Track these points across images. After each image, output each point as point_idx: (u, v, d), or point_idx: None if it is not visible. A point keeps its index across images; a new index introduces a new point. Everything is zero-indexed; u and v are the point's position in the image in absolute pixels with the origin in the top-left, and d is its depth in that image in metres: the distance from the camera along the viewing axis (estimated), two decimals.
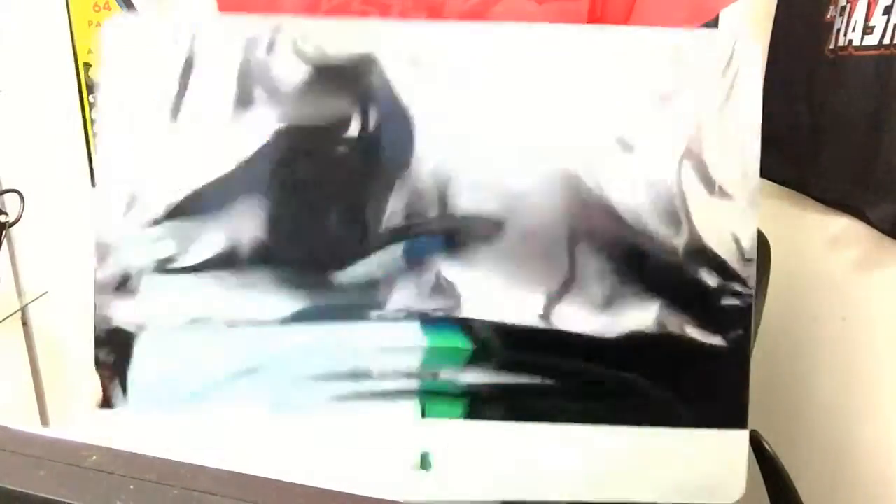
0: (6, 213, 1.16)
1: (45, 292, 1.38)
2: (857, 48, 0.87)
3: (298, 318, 0.45)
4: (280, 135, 0.46)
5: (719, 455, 0.44)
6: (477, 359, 0.45)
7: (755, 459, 0.95)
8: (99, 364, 0.47)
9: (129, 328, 0.46)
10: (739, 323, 0.46)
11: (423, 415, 0.44)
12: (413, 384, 0.44)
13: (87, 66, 1.30)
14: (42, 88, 1.31)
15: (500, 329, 0.45)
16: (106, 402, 0.46)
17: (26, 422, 1.42)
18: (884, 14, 0.83)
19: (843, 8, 0.91)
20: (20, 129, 1.32)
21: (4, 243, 1.21)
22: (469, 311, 0.45)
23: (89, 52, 1.30)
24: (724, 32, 0.50)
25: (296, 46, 0.45)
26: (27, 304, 1.36)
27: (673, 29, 0.49)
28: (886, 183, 0.83)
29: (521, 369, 0.45)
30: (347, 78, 0.45)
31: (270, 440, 0.44)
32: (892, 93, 0.82)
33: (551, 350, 0.45)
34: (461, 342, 0.44)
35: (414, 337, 0.44)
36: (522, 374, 0.45)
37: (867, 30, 0.85)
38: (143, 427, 0.44)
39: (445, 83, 0.45)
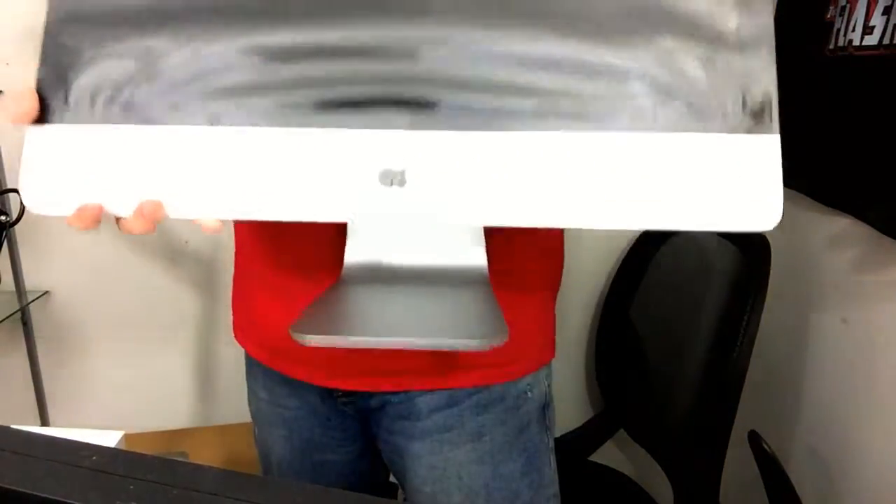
0: (6, 213, 1.16)
1: (46, 292, 1.38)
2: (857, 48, 0.87)
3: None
4: None
5: (746, 166, 0.38)
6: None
7: (755, 459, 0.95)
8: (44, 62, 0.42)
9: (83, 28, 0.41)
10: (760, 13, 0.40)
11: (388, 125, 0.40)
12: (383, 89, 0.40)
13: None
14: None
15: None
16: (42, 118, 0.41)
17: (26, 422, 1.42)
18: (883, 14, 0.83)
19: (843, 8, 0.91)
20: (21, 129, 1.32)
21: (5, 243, 1.21)
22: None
23: None
24: None
25: None
26: (27, 304, 1.36)
27: None
28: (886, 183, 0.83)
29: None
30: None
31: (226, 152, 0.40)
32: (892, 93, 0.82)
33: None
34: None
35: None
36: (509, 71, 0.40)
37: (867, 30, 0.85)
38: (85, 142, 0.40)
39: None
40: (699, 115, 0.40)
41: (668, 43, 0.40)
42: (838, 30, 0.92)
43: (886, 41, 0.82)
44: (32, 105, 0.42)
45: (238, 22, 0.41)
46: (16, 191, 1.14)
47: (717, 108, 0.40)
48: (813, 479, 1.02)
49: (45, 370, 1.43)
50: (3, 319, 1.28)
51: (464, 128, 0.40)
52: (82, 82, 0.42)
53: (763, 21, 0.41)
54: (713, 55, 0.40)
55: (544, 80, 0.40)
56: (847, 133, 0.91)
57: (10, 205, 1.27)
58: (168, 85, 0.41)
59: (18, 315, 1.36)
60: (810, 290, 1.05)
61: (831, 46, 0.94)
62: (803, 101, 0.98)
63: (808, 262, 1.04)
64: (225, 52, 0.41)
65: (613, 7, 0.41)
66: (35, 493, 0.22)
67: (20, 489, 0.22)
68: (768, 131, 0.41)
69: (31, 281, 1.38)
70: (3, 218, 1.15)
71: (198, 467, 0.24)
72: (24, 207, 0.46)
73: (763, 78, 0.41)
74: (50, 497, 0.21)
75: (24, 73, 1.39)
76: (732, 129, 0.40)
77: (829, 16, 0.95)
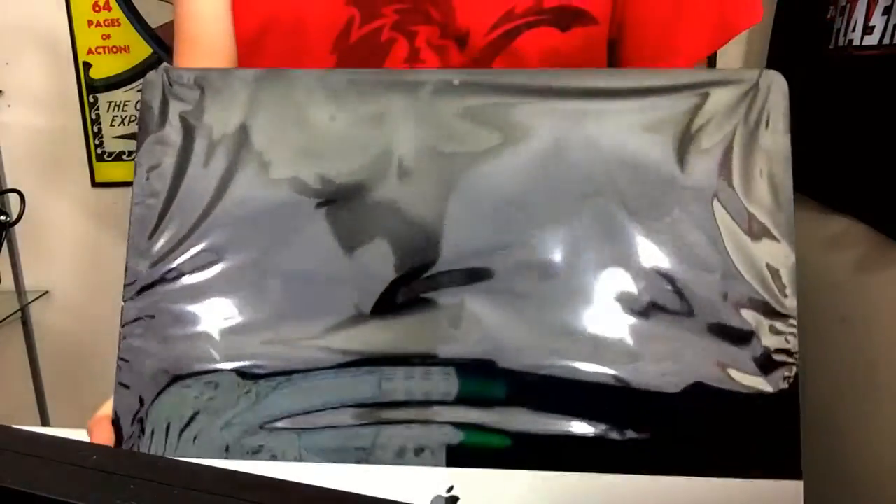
0: (7, 213, 1.16)
1: (46, 292, 1.38)
2: (857, 48, 0.87)
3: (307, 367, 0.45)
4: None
5: None
6: (512, 405, 0.44)
7: None
8: (119, 400, 0.45)
9: (153, 366, 0.46)
10: (784, 363, 0.43)
11: (448, 463, 0.43)
12: (440, 431, 0.43)
13: (88, 65, 1.31)
14: (42, 88, 1.31)
15: (537, 377, 0.44)
16: (117, 444, 0.46)
17: (26, 422, 1.42)
18: (883, 14, 0.83)
19: (843, 8, 0.91)
20: (21, 129, 1.33)
21: (5, 243, 1.21)
22: (506, 358, 0.44)
23: (89, 52, 1.30)
24: (749, 70, 0.48)
25: None
26: (27, 304, 1.36)
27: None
28: (886, 183, 0.83)
29: (559, 416, 0.44)
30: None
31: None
32: (892, 93, 0.82)
33: (590, 400, 0.44)
34: (496, 389, 0.44)
35: (445, 383, 0.43)
36: (559, 421, 0.44)
37: (867, 30, 0.85)
38: None
39: None
40: (728, 466, 0.43)
41: (705, 409, 0.43)
42: (838, 30, 0.92)
43: (886, 41, 0.82)
44: (110, 438, 0.46)
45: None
46: (16, 191, 1.14)
47: (747, 456, 0.43)
48: (812, 479, 1.02)
49: (45, 370, 1.43)
50: (3, 319, 1.28)
51: (515, 466, 0.43)
52: (155, 413, 0.45)
53: (788, 376, 0.43)
54: (741, 412, 0.43)
55: (585, 422, 0.43)
56: (847, 133, 0.91)
57: (9, 205, 1.27)
58: (233, 421, 0.45)
59: (18, 315, 1.36)
60: (810, 289, 1.04)
61: (831, 46, 0.94)
62: (803, 101, 0.98)
63: (808, 262, 1.04)
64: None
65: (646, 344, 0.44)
66: (35, 492, 0.22)
67: (20, 488, 0.22)
68: (791, 477, 0.43)
69: (31, 281, 1.38)
70: (3, 218, 1.15)
71: (198, 467, 0.24)
72: (23, 207, 0.47)
73: (789, 430, 0.43)
74: (50, 496, 0.21)
75: (23, 74, 1.39)
76: (757, 475, 0.43)
77: (829, 16, 0.95)
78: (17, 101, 1.31)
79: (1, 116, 1.32)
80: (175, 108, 0.48)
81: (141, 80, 0.51)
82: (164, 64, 0.49)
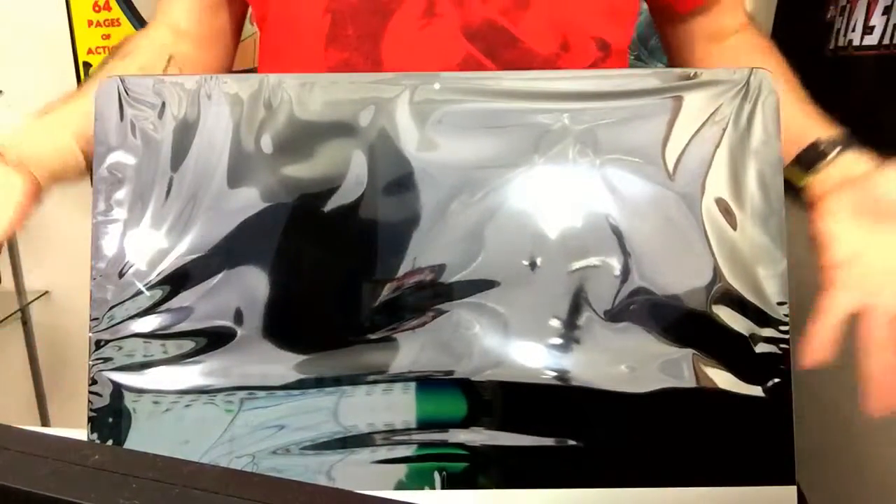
0: None
1: (46, 292, 1.38)
2: (857, 48, 0.87)
3: (286, 387, 0.44)
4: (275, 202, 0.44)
5: None
6: (478, 421, 0.42)
7: None
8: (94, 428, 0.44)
9: (124, 400, 0.44)
10: (776, 370, 0.42)
11: (410, 485, 0.41)
12: (404, 451, 0.42)
13: (88, 65, 1.30)
14: (42, 88, 1.31)
15: (507, 387, 0.42)
16: None
17: (26, 422, 1.42)
18: (883, 14, 0.83)
19: (843, 8, 0.91)
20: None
21: (5, 243, 1.21)
22: (470, 369, 0.42)
23: (89, 51, 1.30)
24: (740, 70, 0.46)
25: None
26: (27, 304, 1.36)
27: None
28: None
29: (532, 430, 0.42)
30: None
31: None
32: (892, 93, 0.82)
33: (568, 409, 0.42)
34: (459, 405, 0.42)
35: (406, 403, 0.42)
36: (533, 435, 0.42)
37: (867, 30, 0.85)
38: None
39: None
40: (720, 474, 0.42)
41: (697, 417, 0.43)
42: (838, 30, 0.92)
43: (886, 41, 0.82)
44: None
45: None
46: None
47: (740, 463, 0.42)
48: (814, 482, 1.02)
49: (45, 370, 1.43)
50: (3, 319, 1.28)
51: (512, 485, 0.42)
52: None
53: (779, 382, 0.43)
54: (733, 419, 0.43)
55: (579, 437, 0.42)
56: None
57: None
58: (207, 448, 0.44)
59: (18, 315, 1.36)
60: (810, 290, 1.04)
61: (831, 46, 0.94)
62: None
63: (808, 262, 1.04)
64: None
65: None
66: (37, 491, 0.22)
67: (22, 488, 0.22)
68: (785, 482, 0.42)
69: (31, 281, 1.38)
70: None
71: (199, 466, 0.24)
72: None
73: (782, 435, 0.43)
74: (52, 496, 0.21)
75: (23, 74, 1.38)
76: (750, 482, 0.42)
77: (829, 16, 0.95)
78: (17, 101, 1.31)
79: (1, 116, 1.32)
80: (135, 121, 0.45)
81: None
82: (118, 76, 0.46)
